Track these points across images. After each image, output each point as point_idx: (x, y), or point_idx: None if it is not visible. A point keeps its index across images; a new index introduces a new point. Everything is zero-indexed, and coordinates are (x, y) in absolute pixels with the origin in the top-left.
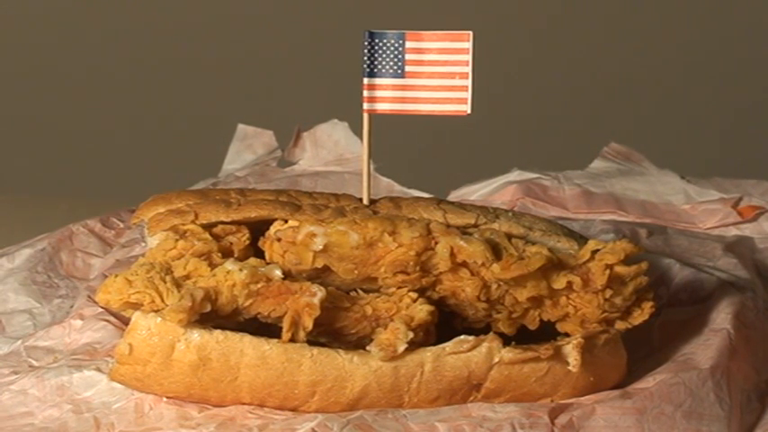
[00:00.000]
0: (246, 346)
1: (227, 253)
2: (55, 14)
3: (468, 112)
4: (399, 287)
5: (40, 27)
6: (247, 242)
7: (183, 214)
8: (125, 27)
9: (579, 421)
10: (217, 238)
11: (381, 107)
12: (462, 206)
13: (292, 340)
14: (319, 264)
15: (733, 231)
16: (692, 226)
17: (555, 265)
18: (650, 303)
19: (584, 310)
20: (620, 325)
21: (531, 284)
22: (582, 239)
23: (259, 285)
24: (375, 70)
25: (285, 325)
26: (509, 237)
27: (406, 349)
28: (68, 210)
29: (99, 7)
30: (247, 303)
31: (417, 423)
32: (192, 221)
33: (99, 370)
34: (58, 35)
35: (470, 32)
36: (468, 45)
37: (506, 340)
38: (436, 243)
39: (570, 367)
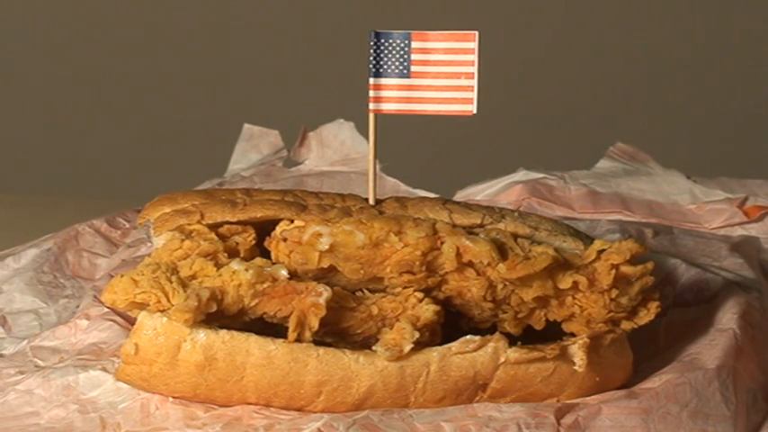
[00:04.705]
0: (252, 346)
1: (232, 253)
2: (62, 14)
3: (474, 112)
4: (405, 287)
5: (47, 27)
6: (253, 242)
7: (188, 214)
8: (132, 27)
9: (585, 421)
10: (223, 238)
11: (387, 107)
12: (468, 206)
13: (298, 340)
14: (325, 264)
15: (739, 231)
16: (697, 226)
17: (561, 264)
18: (656, 303)
19: (590, 310)
20: (626, 325)
21: (537, 284)
22: (588, 239)
23: (265, 285)
24: (381, 70)
25: (291, 325)
26: (515, 237)
27: (412, 349)
28: (74, 210)
29: (106, 7)
30: (253, 303)
31: (423, 423)
32: (198, 221)
33: (105, 370)
34: (65, 35)
35: (476, 32)
36: (474, 45)
37: (512, 340)
38: (442, 243)
39: (576, 367)
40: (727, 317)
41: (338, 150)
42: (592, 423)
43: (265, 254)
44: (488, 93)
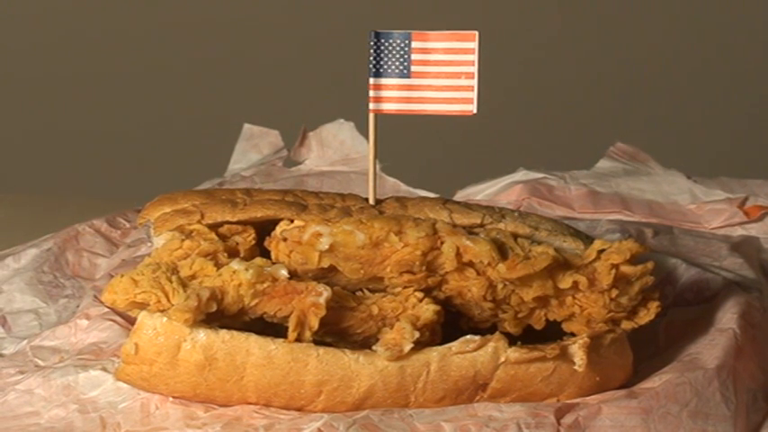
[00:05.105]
0: (252, 345)
1: (233, 253)
2: (62, 14)
3: (474, 111)
4: (405, 287)
5: (47, 27)
6: (253, 242)
7: (188, 214)
8: (132, 27)
9: (585, 421)
10: (223, 237)
11: (387, 107)
12: (468, 206)
13: (298, 340)
14: (325, 263)
15: (739, 231)
16: (697, 226)
17: (561, 264)
18: (656, 303)
19: (590, 310)
20: (626, 325)
21: (537, 284)
22: (588, 239)
23: (265, 285)
24: (381, 70)
25: (291, 325)
26: (515, 236)
27: (412, 349)
28: (75, 210)
29: (106, 7)
30: (253, 303)
31: (423, 423)
32: (198, 221)
33: (105, 370)
34: (65, 35)
35: (476, 32)
36: (474, 45)
37: (512, 340)
38: (442, 243)
39: (576, 367)
40: (728, 317)
41: (338, 150)
42: (592, 423)
43: (265, 254)
44: (488, 93)
